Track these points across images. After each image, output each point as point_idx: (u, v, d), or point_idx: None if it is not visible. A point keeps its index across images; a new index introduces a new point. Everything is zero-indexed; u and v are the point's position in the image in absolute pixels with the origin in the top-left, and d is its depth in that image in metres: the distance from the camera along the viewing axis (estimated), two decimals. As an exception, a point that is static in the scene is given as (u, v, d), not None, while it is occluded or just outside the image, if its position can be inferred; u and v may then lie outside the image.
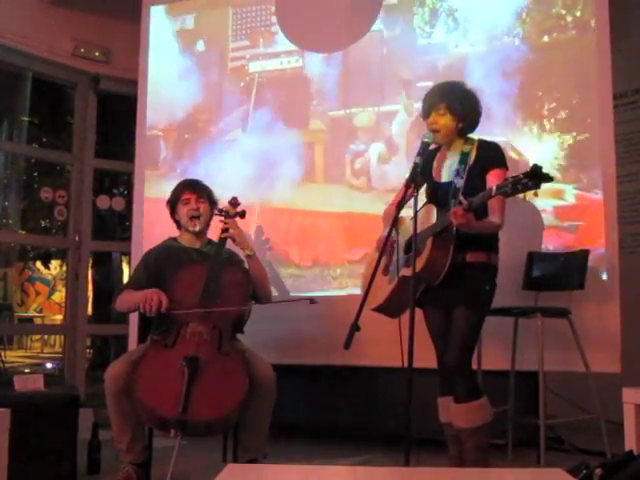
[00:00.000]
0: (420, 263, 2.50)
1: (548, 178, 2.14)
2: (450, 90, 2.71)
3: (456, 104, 2.67)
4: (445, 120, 2.67)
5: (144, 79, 4.40)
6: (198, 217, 3.04)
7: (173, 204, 3.10)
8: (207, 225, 3.12)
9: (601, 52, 3.42)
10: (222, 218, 3.05)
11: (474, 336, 2.64)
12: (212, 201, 3.11)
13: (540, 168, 2.13)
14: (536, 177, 2.13)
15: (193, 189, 3.07)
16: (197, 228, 3.05)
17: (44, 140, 6.91)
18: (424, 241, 2.56)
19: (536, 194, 2.18)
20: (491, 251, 2.66)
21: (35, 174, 7.35)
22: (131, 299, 2.88)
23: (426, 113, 2.73)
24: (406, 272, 2.61)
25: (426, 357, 2.63)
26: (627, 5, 4.09)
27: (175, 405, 2.48)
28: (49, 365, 8.23)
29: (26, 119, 6.14)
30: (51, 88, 5.44)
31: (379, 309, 2.73)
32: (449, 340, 2.62)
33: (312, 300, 2.81)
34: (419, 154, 2.52)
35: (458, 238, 2.55)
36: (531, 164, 2.17)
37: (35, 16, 4.53)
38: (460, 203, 2.44)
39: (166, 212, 3.15)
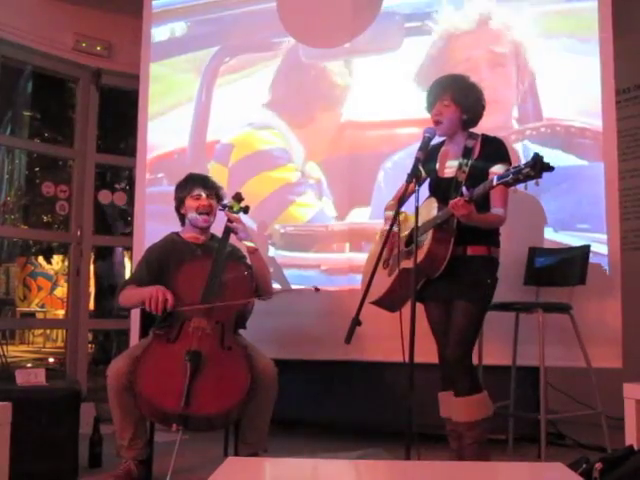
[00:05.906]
0: (420, 256, 2.50)
1: (549, 167, 2.15)
2: (454, 82, 2.72)
3: (461, 95, 2.67)
4: (450, 111, 2.67)
5: (146, 73, 4.39)
6: (208, 213, 3.04)
7: (182, 198, 3.08)
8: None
9: (604, 47, 3.41)
10: (226, 213, 3.05)
11: (474, 330, 2.63)
12: (219, 198, 3.11)
13: (541, 157, 2.14)
14: (537, 166, 2.14)
15: (205, 186, 3.05)
16: (206, 224, 3.05)
17: (46, 135, 6.90)
18: (425, 234, 2.56)
19: (537, 183, 2.18)
20: (492, 244, 2.66)
21: (37, 169, 7.34)
22: (136, 295, 2.86)
23: (430, 105, 2.73)
24: (406, 265, 2.61)
25: (427, 352, 2.63)
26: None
27: (177, 400, 2.49)
28: (51, 360, 8.23)
29: (28, 114, 6.13)
30: (53, 83, 5.42)
31: (378, 302, 2.73)
32: (449, 334, 2.61)
33: (316, 288, 2.82)
34: (420, 149, 2.51)
35: (459, 231, 2.55)
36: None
37: (36, 10, 4.52)
38: (461, 194, 2.44)
39: (168, 207, 3.15)
